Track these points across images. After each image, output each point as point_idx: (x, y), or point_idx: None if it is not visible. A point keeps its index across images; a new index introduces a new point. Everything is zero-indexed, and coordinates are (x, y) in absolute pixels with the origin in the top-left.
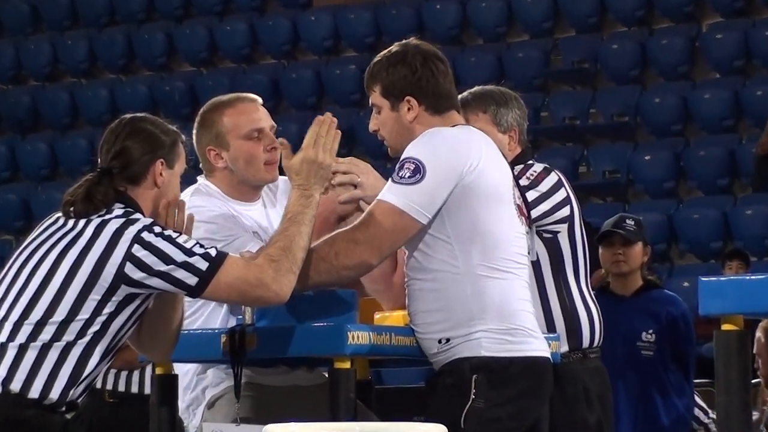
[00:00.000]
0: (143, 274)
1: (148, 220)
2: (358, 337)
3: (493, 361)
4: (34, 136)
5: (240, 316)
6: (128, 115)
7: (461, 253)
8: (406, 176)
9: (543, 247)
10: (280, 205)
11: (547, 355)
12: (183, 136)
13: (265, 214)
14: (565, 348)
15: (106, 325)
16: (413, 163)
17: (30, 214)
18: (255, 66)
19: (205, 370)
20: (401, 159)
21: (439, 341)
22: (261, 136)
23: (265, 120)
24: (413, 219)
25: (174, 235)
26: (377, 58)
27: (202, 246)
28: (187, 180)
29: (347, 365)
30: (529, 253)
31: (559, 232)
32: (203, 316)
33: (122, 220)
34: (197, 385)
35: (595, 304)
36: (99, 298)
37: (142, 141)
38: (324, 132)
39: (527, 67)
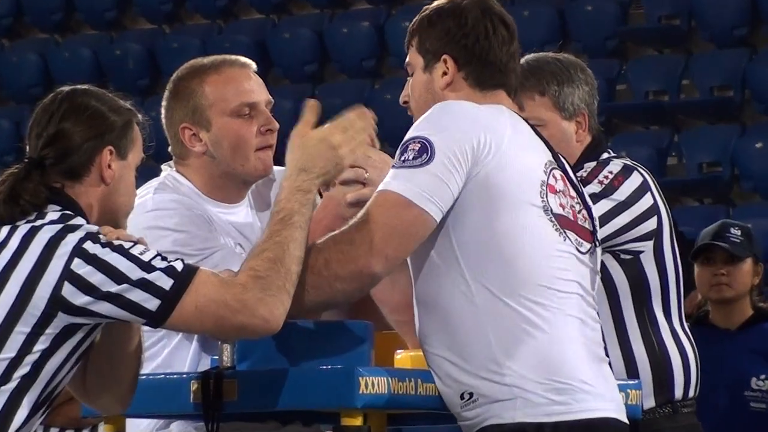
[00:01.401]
0: (87, 298)
1: (93, 227)
2: (374, 384)
3: (532, 427)
4: None
5: (215, 356)
6: (66, 88)
7: (473, 278)
8: (410, 158)
9: (621, 272)
10: None
11: (611, 414)
12: (139, 116)
13: (252, 219)
14: (651, 402)
15: (38, 367)
16: (418, 141)
17: None
18: (235, 22)
19: (167, 424)
20: (404, 139)
21: (461, 396)
22: (253, 113)
23: (258, 92)
24: (423, 211)
25: (127, 245)
26: (426, 7)
27: (164, 258)
28: (146, 174)
29: (358, 421)
30: (596, 276)
31: (642, 251)
32: (162, 355)
33: (58, 226)
34: None
35: (691, 343)
36: (28, 330)
37: (85, 122)
38: (360, 127)
39: (598, 25)
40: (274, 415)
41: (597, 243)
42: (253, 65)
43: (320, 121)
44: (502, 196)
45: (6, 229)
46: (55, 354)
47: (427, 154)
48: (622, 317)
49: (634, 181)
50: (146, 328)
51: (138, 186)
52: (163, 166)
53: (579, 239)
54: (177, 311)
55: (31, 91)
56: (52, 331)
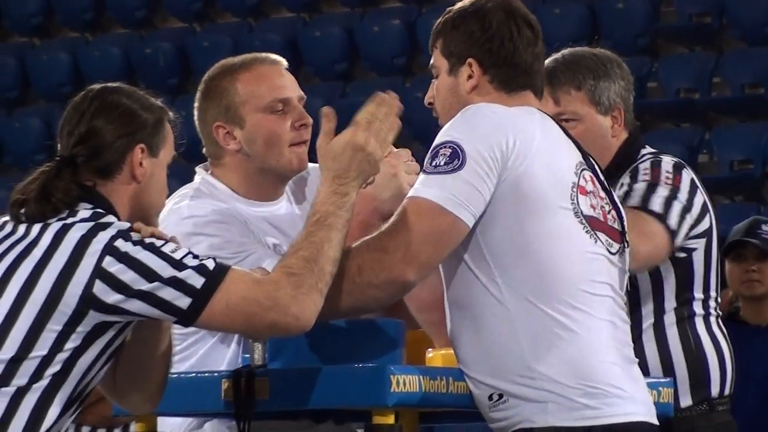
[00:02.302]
0: (118, 296)
1: (124, 225)
2: (405, 382)
3: (564, 431)
4: None
5: (248, 356)
6: (97, 86)
7: (504, 282)
8: (442, 163)
9: (672, 270)
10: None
11: (642, 418)
12: (170, 114)
13: (291, 215)
14: (687, 400)
15: (69, 365)
16: (449, 147)
17: None
18: (266, 21)
19: (201, 423)
20: (434, 144)
21: (490, 397)
22: (287, 109)
23: (291, 88)
24: (456, 218)
25: (158, 243)
26: (449, 9)
27: (195, 257)
28: (178, 172)
29: (390, 420)
30: (625, 276)
31: (695, 249)
32: (196, 356)
33: (90, 224)
34: None
35: (726, 341)
36: (60, 328)
37: (116, 120)
38: (382, 115)
39: (629, 23)
40: (306, 413)
41: (626, 243)
42: (284, 62)
43: (347, 119)
44: (532, 201)
45: (37, 227)
46: (87, 352)
47: (459, 160)
48: (663, 314)
49: (687, 177)
50: (180, 328)
51: (169, 184)
52: (197, 169)
53: (609, 240)
54: (208, 309)
55: (61, 90)
56: (83, 329)
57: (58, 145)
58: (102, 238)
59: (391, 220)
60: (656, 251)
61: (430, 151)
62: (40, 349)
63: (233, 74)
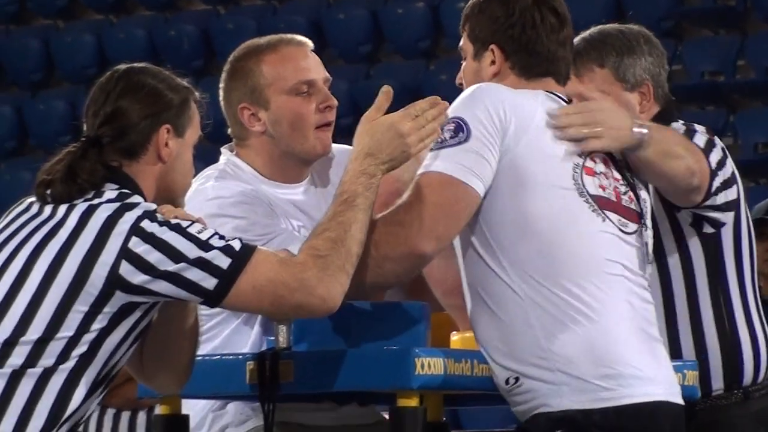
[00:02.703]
0: (145, 277)
1: (151, 206)
2: (430, 364)
3: (580, 414)
4: None
5: (272, 338)
6: (123, 66)
7: (510, 264)
8: (447, 138)
9: (699, 246)
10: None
11: (662, 398)
12: (196, 94)
13: (316, 198)
14: (719, 385)
15: (95, 346)
16: (453, 122)
17: None
18: (290, 3)
19: (224, 404)
20: None
21: (507, 380)
22: (312, 90)
23: (316, 70)
24: (468, 187)
25: (184, 224)
26: None
27: (222, 237)
28: (203, 154)
29: (415, 402)
30: (644, 256)
31: (724, 223)
32: (220, 338)
33: (116, 204)
34: (214, 423)
35: (763, 325)
36: (86, 309)
37: (142, 100)
38: (431, 117)
39: (654, 6)
40: (330, 395)
41: (645, 225)
42: (310, 43)
43: (371, 101)
44: (530, 180)
45: (63, 207)
46: (113, 333)
47: (464, 133)
48: (696, 296)
49: (718, 148)
50: (205, 309)
51: (194, 165)
52: (222, 150)
53: (623, 220)
54: (234, 290)
55: (85, 73)
56: (109, 309)
57: (84, 126)
58: (128, 219)
59: (405, 195)
60: (700, 167)
61: None
62: (67, 329)
63: (259, 55)
